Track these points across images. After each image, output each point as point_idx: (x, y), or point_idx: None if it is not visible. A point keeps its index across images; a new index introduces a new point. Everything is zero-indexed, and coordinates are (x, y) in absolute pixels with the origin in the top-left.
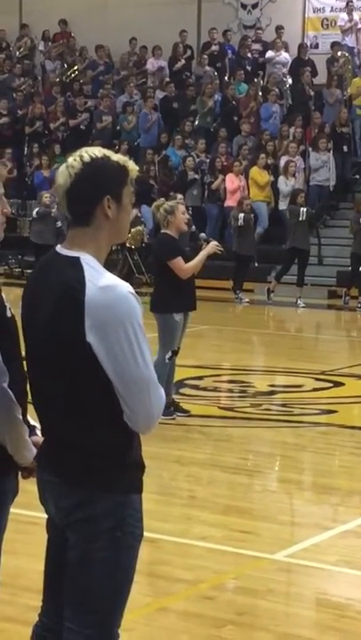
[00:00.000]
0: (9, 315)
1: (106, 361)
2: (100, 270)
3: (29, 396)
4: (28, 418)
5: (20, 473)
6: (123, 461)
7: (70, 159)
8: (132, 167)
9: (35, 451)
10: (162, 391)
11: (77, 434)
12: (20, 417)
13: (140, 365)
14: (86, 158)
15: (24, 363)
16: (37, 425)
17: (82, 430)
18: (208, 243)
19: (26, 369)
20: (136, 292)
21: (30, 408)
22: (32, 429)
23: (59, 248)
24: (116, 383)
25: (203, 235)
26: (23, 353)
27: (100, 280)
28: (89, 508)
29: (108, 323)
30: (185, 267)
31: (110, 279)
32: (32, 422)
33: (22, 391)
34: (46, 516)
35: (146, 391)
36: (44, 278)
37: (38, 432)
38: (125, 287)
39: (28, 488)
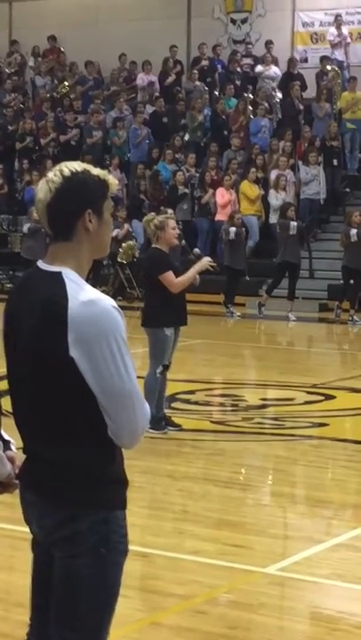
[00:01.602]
0: None
1: (89, 375)
2: (82, 285)
3: (9, 413)
4: (3, 433)
5: None
6: (105, 477)
7: (50, 174)
8: (112, 181)
9: (9, 466)
10: (147, 405)
11: (59, 451)
12: None
13: (124, 379)
14: (66, 173)
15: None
16: (12, 440)
17: (63, 447)
18: (201, 258)
19: (7, 385)
20: (128, 307)
21: (6, 423)
22: (6, 444)
23: (40, 263)
24: (99, 397)
25: (197, 250)
26: (4, 369)
27: (83, 294)
28: (72, 525)
29: (91, 337)
30: (175, 281)
31: (93, 293)
32: (6, 437)
33: None
34: (32, 534)
35: (130, 405)
36: (25, 294)
37: (13, 447)
38: (108, 301)
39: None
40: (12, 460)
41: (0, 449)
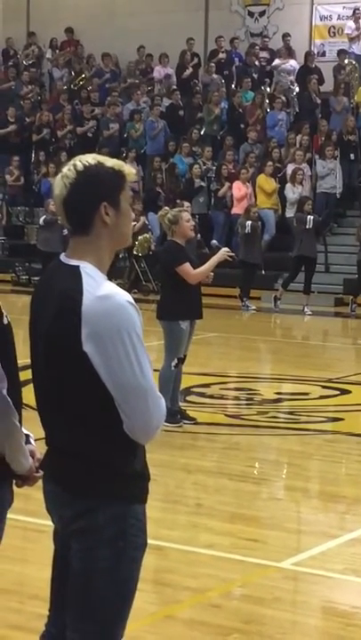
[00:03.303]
0: (5, 322)
1: (103, 371)
2: (99, 279)
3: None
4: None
5: (14, 482)
6: (124, 471)
7: (65, 169)
8: (129, 171)
9: (30, 459)
10: (162, 401)
11: (78, 443)
12: (18, 424)
13: (137, 375)
14: (79, 167)
15: (19, 371)
16: (31, 434)
17: (82, 440)
18: (219, 250)
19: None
20: (143, 300)
21: (27, 416)
22: (26, 438)
23: (62, 257)
24: (113, 393)
25: (214, 242)
26: (28, 361)
27: (99, 289)
28: (90, 517)
29: (104, 332)
30: (193, 272)
31: (108, 288)
32: (25, 431)
33: (18, 398)
34: (53, 525)
35: (143, 401)
36: (47, 287)
37: (32, 440)
38: (123, 296)
39: (36, 495)
40: (31, 453)
41: (23, 441)
